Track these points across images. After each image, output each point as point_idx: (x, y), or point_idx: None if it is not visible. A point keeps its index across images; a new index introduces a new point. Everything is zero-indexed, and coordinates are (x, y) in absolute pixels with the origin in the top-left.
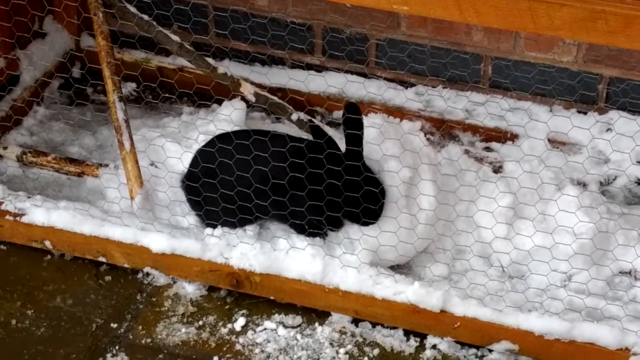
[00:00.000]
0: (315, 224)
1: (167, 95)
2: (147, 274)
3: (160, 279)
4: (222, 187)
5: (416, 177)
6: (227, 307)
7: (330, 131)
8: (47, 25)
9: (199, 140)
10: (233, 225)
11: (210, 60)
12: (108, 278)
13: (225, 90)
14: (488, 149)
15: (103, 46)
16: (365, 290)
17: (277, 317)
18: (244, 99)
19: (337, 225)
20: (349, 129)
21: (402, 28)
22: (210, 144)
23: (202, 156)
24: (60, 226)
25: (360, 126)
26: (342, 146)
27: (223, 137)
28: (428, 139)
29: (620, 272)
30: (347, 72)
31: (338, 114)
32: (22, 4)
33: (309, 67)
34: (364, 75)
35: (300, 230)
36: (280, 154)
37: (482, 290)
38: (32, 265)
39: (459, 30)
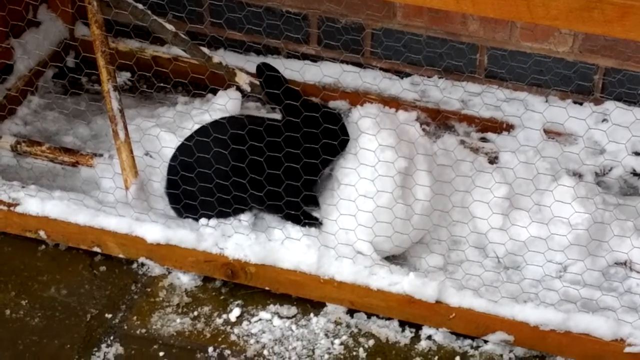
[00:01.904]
0: (309, 213)
1: (161, 84)
2: (142, 264)
3: (155, 270)
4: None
5: (412, 168)
6: (222, 297)
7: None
8: (41, 14)
9: (194, 130)
10: (227, 215)
11: (205, 49)
12: (103, 268)
13: (220, 80)
14: (484, 139)
15: (97, 35)
16: (361, 281)
17: (272, 307)
18: (239, 88)
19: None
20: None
21: (397, 18)
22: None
23: (189, 147)
24: (55, 216)
25: (279, 84)
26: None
27: (215, 126)
28: (424, 130)
29: (615, 263)
30: (342, 61)
31: (334, 104)
32: None
33: (304, 56)
34: (360, 65)
35: (296, 220)
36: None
37: (477, 281)
38: (26, 256)
39: (454, 20)
